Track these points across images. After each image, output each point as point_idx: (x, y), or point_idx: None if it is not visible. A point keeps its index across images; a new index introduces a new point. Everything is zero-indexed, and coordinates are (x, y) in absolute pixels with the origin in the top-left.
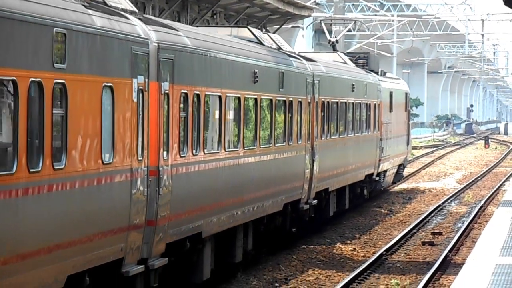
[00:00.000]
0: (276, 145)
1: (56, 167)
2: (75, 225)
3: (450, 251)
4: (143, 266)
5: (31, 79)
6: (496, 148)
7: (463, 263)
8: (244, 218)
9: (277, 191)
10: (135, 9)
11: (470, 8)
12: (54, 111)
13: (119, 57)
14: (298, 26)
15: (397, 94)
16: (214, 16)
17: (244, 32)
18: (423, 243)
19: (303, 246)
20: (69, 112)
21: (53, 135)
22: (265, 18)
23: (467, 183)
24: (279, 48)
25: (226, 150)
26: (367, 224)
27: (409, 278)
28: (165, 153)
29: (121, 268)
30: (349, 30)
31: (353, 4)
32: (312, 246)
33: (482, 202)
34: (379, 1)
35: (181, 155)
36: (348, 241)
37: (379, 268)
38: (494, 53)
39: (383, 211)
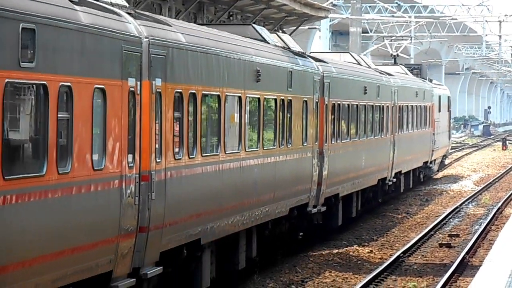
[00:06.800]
0: (375, 137)
1: (266, 147)
2: (268, 186)
3: (467, 253)
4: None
5: (280, 98)
6: None
7: (480, 265)
8: (358, 186)
9: (373, 171)
10: (302, 50)
11: (488, 9)
12: (287, 114)
13: (309, 83)
14: (315, 28)
15: (443, 98)
16: (231, 18)
17: (347, 56)
18: (440, 245)
19: (320, 248)
20: (293, 115)
21: (284, 128)
22: (281, 19)
23: (484, 185)
24: (369, 66)
25: (351, 140)
26: (384, 226)
27: (426, 280)
28: (326, 140)
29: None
30: (366, 31)
31: (370, 6)
32: (328, 248)
33: (500, 204)
34: (396, 3)
35: (332, 142)
36: (365, 243)
37: (396, 270)
38: None
39: (400, 213)
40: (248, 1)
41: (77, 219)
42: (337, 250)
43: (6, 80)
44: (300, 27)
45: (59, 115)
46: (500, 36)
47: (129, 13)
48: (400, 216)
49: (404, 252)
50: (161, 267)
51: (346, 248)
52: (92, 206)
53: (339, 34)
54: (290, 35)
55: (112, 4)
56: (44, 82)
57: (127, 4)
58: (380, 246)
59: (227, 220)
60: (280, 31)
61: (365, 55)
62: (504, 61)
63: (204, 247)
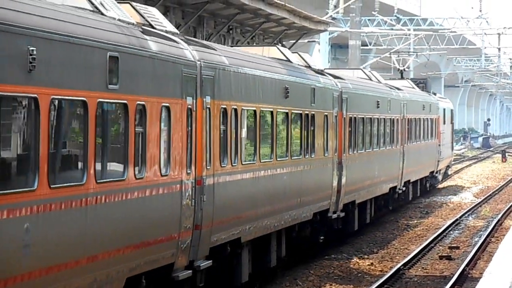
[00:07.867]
0: (387, 147)
1: (293, 157)
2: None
3: (467, 265)
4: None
5: (305, 112)
6: None
7: (480, 277)
8: (372, 193)
9: (385, 179)
10: (322, 68)
11: (487, 22)
12: (311, 127)
13: (329, 99)
14: (314, 41)
15: (447, 111)
16: (230, 32)
17: (360, 72)
18: (441, 257)
19: (320, 261)
20: (316, 128)
21: (308, 140)
22: (281, 33)
23: (484, 197)
24: (379, 82)
25: (366, 150)
26: (385, 239)
27: None
28: (344, 150)
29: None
30: (365, 44)
31: (369, 19)
32: (329, 261)
33: (499, 216)
34: (395, 16)
35: (349, 153)
36: (366, 256)
37: (397, 283)
38: (511, 67)
39: (400, 225)
40: (248, 15)
41: (149, 217)
42: (337, 263)
43: (98, 100)
44: (299, 41)
45: (136, 129)
46: (499, 49)
47: (181, 39)
48: (400, 229)
49: (404, 265)
50: (211, 261)
51: (347, 261)
52: (160, 206)
53: (338, 47)
54: (289, 48)
55: (166, 31)
56: (125, 101)
57: (177, 31)
58: (381, 259)
59: (261, 222)
60: (280, 45)
61: (364, 68)
62: (503, 74)
63: (243, 245)
